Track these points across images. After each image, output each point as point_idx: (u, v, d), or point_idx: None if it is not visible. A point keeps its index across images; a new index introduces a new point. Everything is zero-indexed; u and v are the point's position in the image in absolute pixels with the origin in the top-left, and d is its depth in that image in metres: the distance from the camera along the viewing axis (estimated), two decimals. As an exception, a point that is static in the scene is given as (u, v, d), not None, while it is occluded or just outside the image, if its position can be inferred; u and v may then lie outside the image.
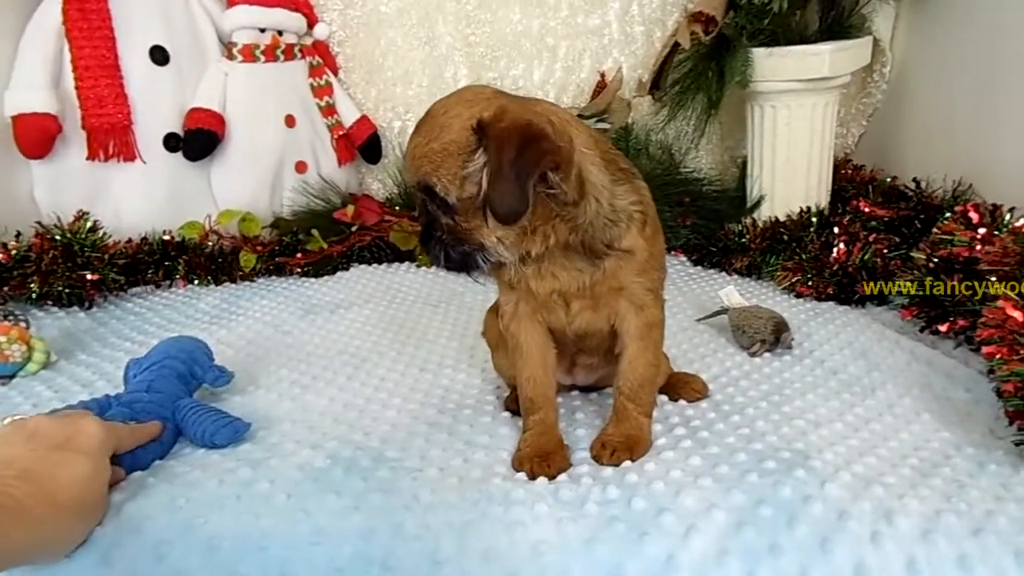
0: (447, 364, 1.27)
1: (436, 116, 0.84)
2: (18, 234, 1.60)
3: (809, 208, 1.78)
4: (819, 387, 1.13)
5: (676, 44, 1.88)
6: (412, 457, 0.94)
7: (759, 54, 1.74)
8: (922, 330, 1.32)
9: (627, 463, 0.90)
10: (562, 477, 0.88)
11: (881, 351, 1.27)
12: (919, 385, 1.13)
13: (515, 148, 0.78)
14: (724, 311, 1.42)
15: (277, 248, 1.89)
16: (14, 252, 1.54)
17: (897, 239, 1.59)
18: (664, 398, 1.10)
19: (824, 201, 1.86)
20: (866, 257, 1.54)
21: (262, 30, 1.95)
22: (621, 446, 0.92)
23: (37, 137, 1.66)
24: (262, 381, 1.22)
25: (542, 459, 0.90)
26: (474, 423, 1.04)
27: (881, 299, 1.52)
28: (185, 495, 0.85)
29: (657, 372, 0.99)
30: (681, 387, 1.12)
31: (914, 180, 1.71)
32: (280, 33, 1.98)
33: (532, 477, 0.88)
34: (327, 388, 1.18)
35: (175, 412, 1.00)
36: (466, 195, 0.82)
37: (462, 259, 0.88)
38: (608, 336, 0.97)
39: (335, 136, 2.11)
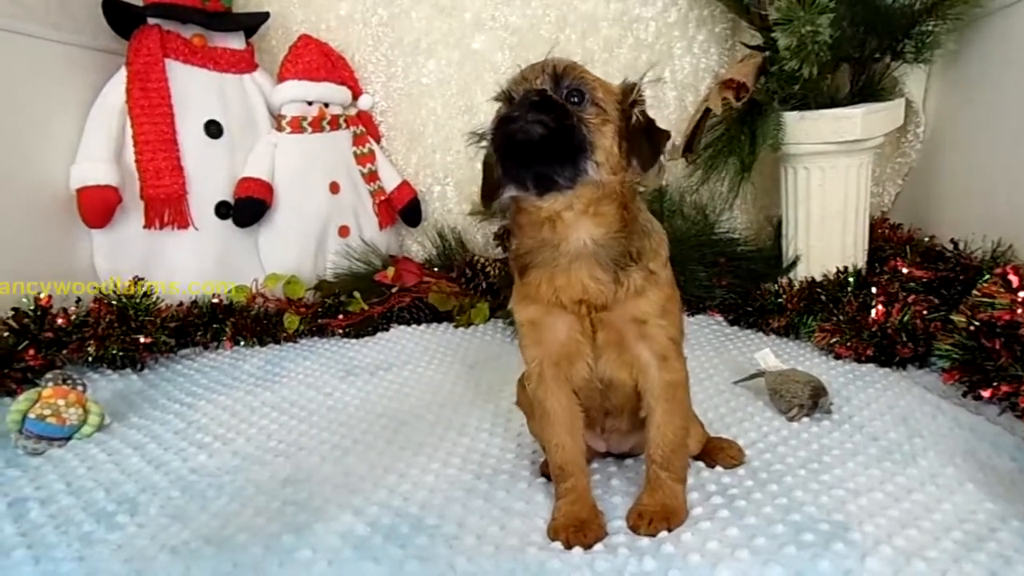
0: (484, 428, 1.29)
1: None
2: (78, 300, 1.68)
3: (846, 268, 1.77)
4: (859, 454, 1.12)
5: (708, 109, 1.92)
6: (449, 524, 0.95)
7: (791, 118, 1.77)
8: (964, 395, 1.29)
9: (663, 533, 0.90)
10: (598, 547, 0.88)
11: (923, 416, 1.26)
12: (962, 453, 1.11)
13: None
14: (761, 374, 1.41)
15: (320, 310, 1.95)
16: (73, 317, 1.62)
17: (936, 300, 1.57)
18: (700, 464, 1.10)
19: (861, 261, 1.86)
20: (906, 319, 1.53)
21: (310, 103, 2.05)
22: (658, 516, 0.92)
23: (100, 208, 1.76)
24: (305, 443, 1.26)
25: (577, 528, 0.90)
26: (510, 489, 1.05)
27: (922, 361, 1.50)
28: (233, 559, 0.87)
29: (687, 435, 1.00)
30: (717, 453, 1.12)
31: (952, 241, 1.70)
32: (326, 105, 2.09)
33: (568, 547, 0.88)
34: (367, 452, 1.21)
35: None
36: (604, 111, 0.89)
37: (559, 141, 0.86)
38: (634, 394, 0.97)
39: (377, 201, 2.18)
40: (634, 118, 0.92)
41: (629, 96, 0.93)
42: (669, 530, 0.91)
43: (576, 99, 0.88)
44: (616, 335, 0.93)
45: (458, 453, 1.19)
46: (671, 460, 0.96)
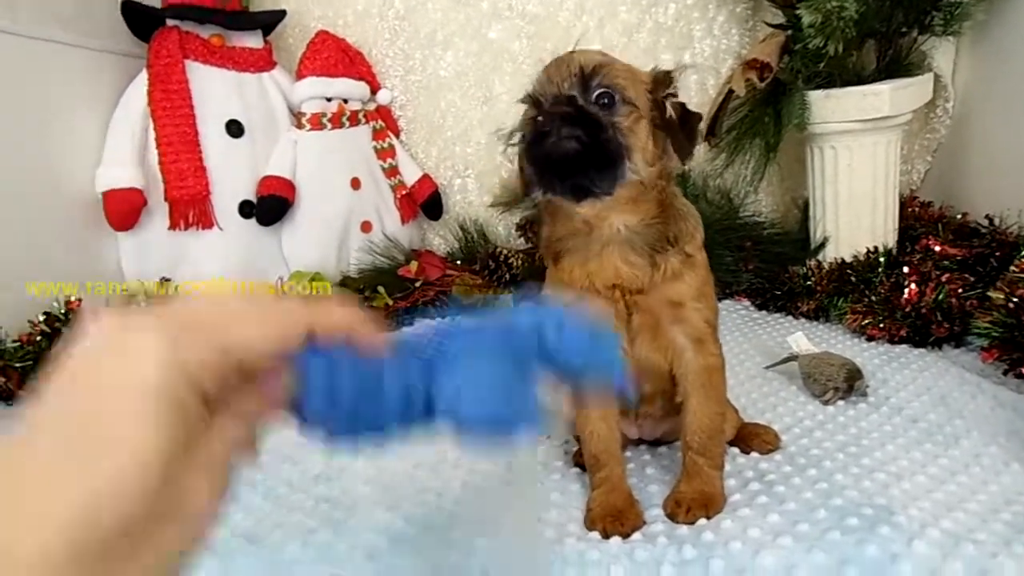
0: (515, 419, 1.28)
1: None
2: (107, 302, 1.70)
3: (876, 248, 1.74)
4: (898, 437, 1.10)
5: (730, 91, 1.89)
6: (486, 517, 0.95)
7: (816, 97, 1.74)
8: (1005, 373, 1.27)
9: (702, 521, 0.89)
10: (636, 536, 0.88)
11: (962, 397, 1.23)
12: (1005, 433, 1.09)
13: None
14: (793, 358, 1.39)
15: (345, 306, 1.95)
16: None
17: (972, 278, 1.54)
18: (736, 451, 1.09)
19: (891, 240, 1.82)
20: (940, 298, 1.49)
21: (328, 99, 2.05)
22: (696, 504, 0.91)
23: (125, 211, 1.78)
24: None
25: (614, 518, 0.90)
26: (544, 480, 1.05)
27: (958, 341, 1.47)
28: (271, 558, 0.88)
29: (723, 421, 0.98)
30: (752, 439, 1.10)
31: (987, 217, 1.66)
32: (345, 101, 2.08)
33: (606, 537, 0.87)
34: (399, 447, 1.21)
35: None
36: (637, 107, 0.86)
37: (593, 153, 0.84)
38: (668, 379, 0.96)
39: (398, 195, 2.18)
40: (668, 110, 0.89)
41: (661, 86, 0.89)
42: (708, 517, 0.89)
43: (607, 101, 0.85)
44: (651, 318, 0.92)
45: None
46: (708, 446, 0.94)
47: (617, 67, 0.87)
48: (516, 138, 0.92)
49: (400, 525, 0.93)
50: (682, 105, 0.91)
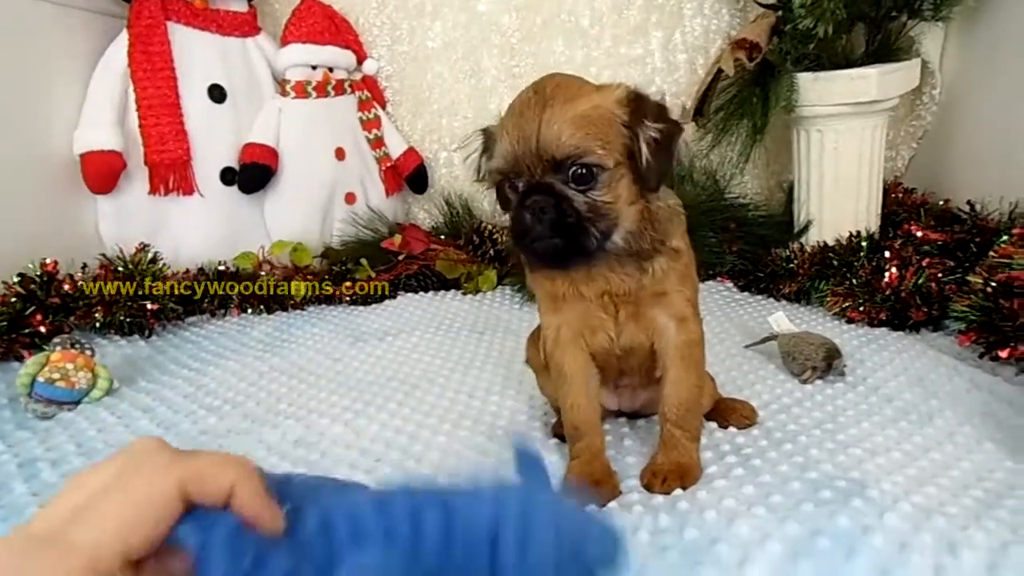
0: (494, 391, 1.28)
1: (560, 88, 0.82)
2: (84, 266, 1.67)
3: (859, 232, 1.75)
4: (874, 415, 1.11)
5: (719, 71, 1.89)
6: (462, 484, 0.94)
7: (805, 79, 1.74)
8: (981, 356, 1.28)
9: (678, 491, 0.89)
10: (612, 505, 0.88)
11: (938, 378, 1.24)
12: (980, 413, 1.10)
13: (670, 120, 0.85)
14: (773, 337, 1.40)
15: (327, 277, 1.93)
16: (80, 284, 1.61)
17: (952, 263, 1.55)
18: (713, 425, 1.09)
19: (874, 225, 1.83)
20: (920, 282, 1.51)
21: (314, 67, 2.02)
22: (672, 474, 0.91)
23: (104, 173, 1.74)
24: (315, 406, 1.25)
25: (591, 487, 0.90)
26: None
27: (936, 325, 1.49)
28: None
29: (701, 394, 0.99)
30: (730, 413, 1.11)
31: (968, 203, 1.68)
32: (331, 69, 2.06)
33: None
34: (378, 414, 1.20)
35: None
36: (615, 165, 0.82)
37: (581, 242, 0.83)
38: (649, 354, 0.96)
39: (383, 167, 2.16)
40: (643, 145, 0.82)
41: (638, 116, 0.82)
42: (684, 488, 0.90)
43: (584, 174, 0.81)
44: (636, 308, 0.93)
45: (469, 415, 1.19)
46: (685, 418, 0.95)
47: (590, 134, 0.80)
48: (475, 156, 0.93)
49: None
50: (660, 129, 0.83)
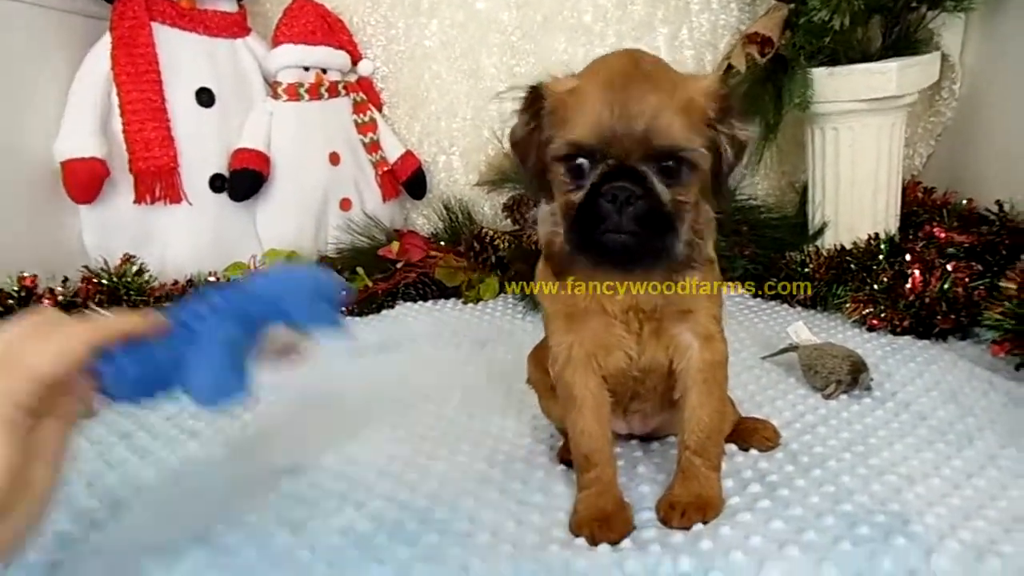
0: (495, 410, 1.20)
1: (660, 68, 0.75)
2: (65, 279, 1.60)
3: (877, 235, 1.67)
4: (907, 435, 1.02)
5: (729, 67, 1.80)
6: (461, 519, 0.86)
7: (819, 74, 1.66)
8: (1017, 368, 1.20)
9: (699, 526, 0.81)
10: (627, 543, 0.80)
11: (972, 393, 1.15)
12: (1022, 432, 1.01)
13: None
14: (793, 348, 1.32)
15: (321, 287, 1.85)
16: (60, 298, 1.53)
17: (980, 267, 1.47)
18: (733, 448, 1.01)
19: (893, 227, 1.75)
20: (946, 287, 1.42)
21: (306, 68, 1.95)
22: (692, 507, 0.83)
23: (86, 182, 1.67)
24: (302, 431, 1.17)
25: (602, 522, 0.81)
26: (527, 479, 0.96)
27: (964, 333, 1.40)
28: (221, 562, 0.79)
29: (724, 419, 0.91)
30: (751, 434, 1.03)
31: (997, 203, 1.59)
32: (324, 71, 1.98)
33: (593, 543, 0.79)
34: (372, 436, 1.12)
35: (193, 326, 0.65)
36: (703, 158, 0.73)
37: (666, 242, 0.74)
38: (665, 376, 0.88)
39: (379, 172, 2.08)
40: (727, 147, 0.75)
41: (726, 114, 0.75)
42: (704, 522, 0.82)
43: (672, 176, 0.72)
44: (659, 324, 0.85)
45: (469, 438, 1.10)
46: (706, 446, 0.86)
47: (695, 128, 0.72)
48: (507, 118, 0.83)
49: (366, 528, 0.85)
50: (745, 131, 0.77)
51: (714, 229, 0.86)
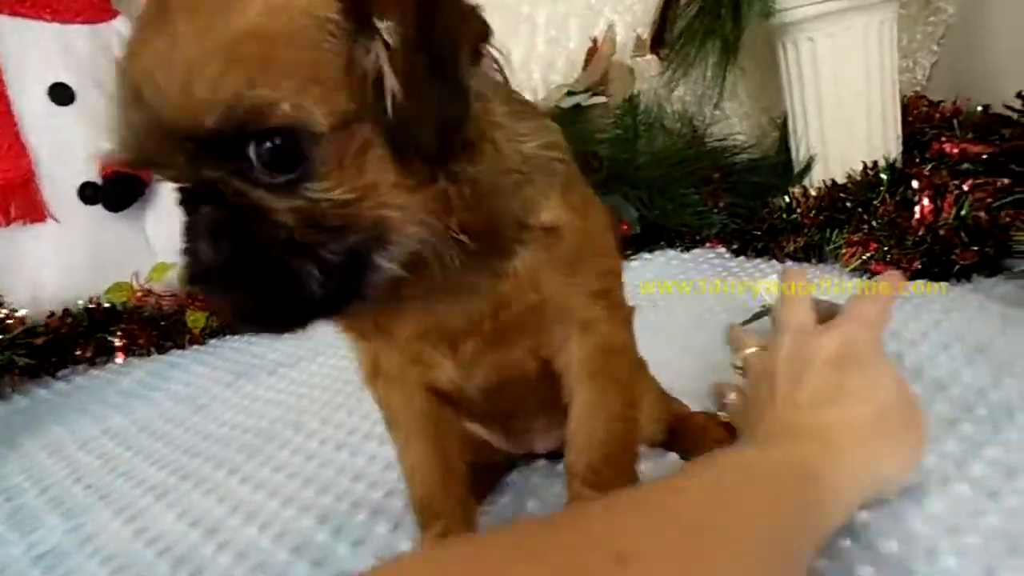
0: (375, 435, 0.92)
1: None
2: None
3: (875, 163, 1.38)
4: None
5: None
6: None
7: (782, -29, 1.36)
8: (1067, 305, 0.89)
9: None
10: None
11: (1007, 345, 0.85)
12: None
13: (428, 9, 0.41)
14: (767, 311, 1.02)
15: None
16: None
17: (1006, 180, 1.17)
18: (673, 456, 0.73)
19: (895, 151, 1.45)
20: (963, 213, 1.15)
21: (186, 51, 1.68)
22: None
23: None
24: (122, 486, 0.91)
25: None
26: (399, 522, 0.68)
27: (992, 268, 1.11)
28: None
29: (631, 429, 0.60)
30: (698, 435, 0.74)
31: (1019, 95, 1.26)
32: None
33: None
34: (192, 492, 0.86)
35: None
36: (341, 124, 0.41)
37: (290, 290, 0.43)
38: (538, 381, 0.58)
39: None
40: (385, 67, 0.41)
41: (361, 6, 0.41)
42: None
43: (285, 167, 0.41)
44: (500, 335, 0.55)
45: (327, 474, 0.83)
46: (603, 473, 0.57)
47: (269, 69, 0.39)
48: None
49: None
50: (418, 26, 0.41)
51: (554, 173, 0.52)
